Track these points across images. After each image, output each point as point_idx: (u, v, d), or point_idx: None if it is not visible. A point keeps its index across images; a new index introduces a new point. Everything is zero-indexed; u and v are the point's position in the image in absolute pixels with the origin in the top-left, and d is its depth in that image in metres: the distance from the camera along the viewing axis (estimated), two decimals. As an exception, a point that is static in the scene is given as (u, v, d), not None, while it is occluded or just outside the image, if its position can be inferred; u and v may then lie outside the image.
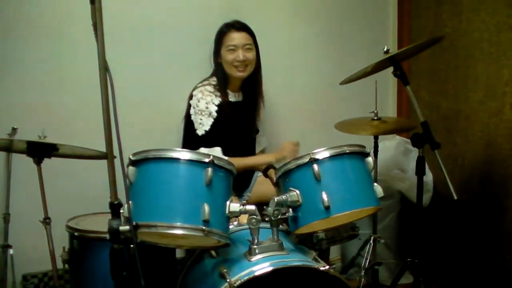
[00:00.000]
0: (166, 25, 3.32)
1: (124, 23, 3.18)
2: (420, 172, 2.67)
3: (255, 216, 2.07)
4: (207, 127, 2.92)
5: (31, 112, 3.04)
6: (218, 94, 2.99)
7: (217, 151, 2.84)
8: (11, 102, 3.03)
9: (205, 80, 3.06)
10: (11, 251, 2.88)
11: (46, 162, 2.48)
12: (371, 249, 3.10)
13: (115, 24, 3.00)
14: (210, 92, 2.97)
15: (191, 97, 3.01)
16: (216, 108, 2.95)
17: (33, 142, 2.42)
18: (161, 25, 3.31)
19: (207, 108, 2.92)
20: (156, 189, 1.94)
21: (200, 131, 2.93)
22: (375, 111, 3.00)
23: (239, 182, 2.98)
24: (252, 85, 3.13)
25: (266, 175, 3.02)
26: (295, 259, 2.07)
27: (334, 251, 3.73)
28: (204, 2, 3.40)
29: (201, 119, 2.92)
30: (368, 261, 3.06)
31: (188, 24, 3.37)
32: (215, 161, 1.97)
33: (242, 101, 3.15)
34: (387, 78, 3.69)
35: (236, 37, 3.00)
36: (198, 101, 2.94)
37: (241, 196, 3.14)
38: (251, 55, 3.03)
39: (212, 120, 2.93)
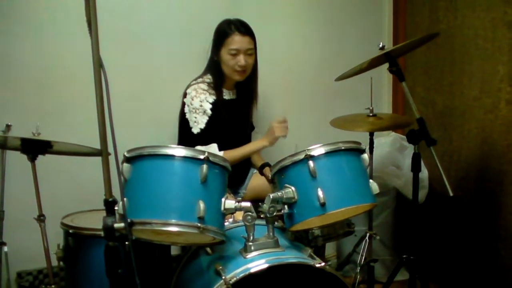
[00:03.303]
0: (161, 21, 3.32)
1: (118, 19, 3.17)
2: (415, 168, 2.66)
3: (250, 213, 2.07)
4: (202, 125, 2.90)
5: (25, 109, 3.03)
6: (212, 92, 2.97)
7: (213, 148, 2.84)
8: (4, 99, 3.02)
9: (199, 77, 3.04)
10: (5, 249, 2.87)
11: (41, 159, 2.47)
12: (366, 245, 3.09)
13: (110, 20, 2.99)
14: (204, 90, 2.95)
15: (185, 95, 2.99)
16: (210, 106, 2.93)
17: (27, 139, 2.40)
18: (156, 21, 3.31)
19: (201, 106, 2.90)
20: (151, 186, 1.93)
21: (195, 130, 2.91)
22: (371, 108, 3.00)
23: (235, 179, 2.97)
24: (246, 83, 3.11)
25: (261, 172, 3.03)
26: (291, 256, 2.07)
27: (330, 248, 3.74)
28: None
29: (195, 117, 2.91)
30: (363, 257, 3.05)
31: (183, 20, 3.36)
32: (210, 158, 1.97)
33: (236, 99, 3.13)
34: (383, 74, 3.71)
35: (240, 41, 2.94)
36: (192, 99, 2.92)
37: (237, 193, 3.13)
38: (251, 60, 3.01)
39: (207, 118, 2.91)
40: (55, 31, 3.09)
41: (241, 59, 2.93)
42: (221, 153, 2.82)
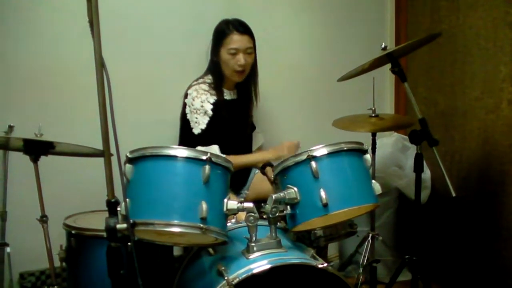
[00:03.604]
0: (163, 21, 3.32)
1: (120, 19, 3.16)
2: (418, 169, 2.66)
3: (253, 214, 2.07)
4: (203, 126, 2.90)
5: (27, 109, 3.03)
6: (213, 92, 2.97)
7: (214, 150, 2.83)
8: (7, 99, 3.02)
9: (200, 78, 3.04)
10: (8, 249, 2.88)
11: (43, 160, 2.47)
12: (369, 246, 3.10)
13: (112, 21, 2.98)
14: (205, 90, 2.95)
15: (186, 96, 2.99)
16: (211, 106, 2.92)
17: (29, 140, 2.41)
18: (158, 21, 3.31)
19: (202, 106, 2.90)
20: (153, 186, 1.93)
21: (196, 130, 2.91)
22: (373, 108, 3.00)
23: (237, 180, 2.97)
24: (247, 82, 3.11)
25: (263, 172, 3.03)
26: (293, 257, 2.07)
27: (332, 248, 3.74)
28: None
29: (196, 118, 2.91)
30: (366, 258, 3.06)
31: (185, 21, 3.36)
32: (213, 159, 1.97)
33: (236, 99, 3.13)
34: (385, 74, 3.70)
35: (239, 40, 2.94)
36: (193, 100, 2.92)
37: (239, 194, 3.13)
38: (251, 59, 3.01)
39: (208, 118, 2.91)
40: (57, 32, 3.09)
41: (241, 58, 2.93)
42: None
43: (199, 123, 2.90)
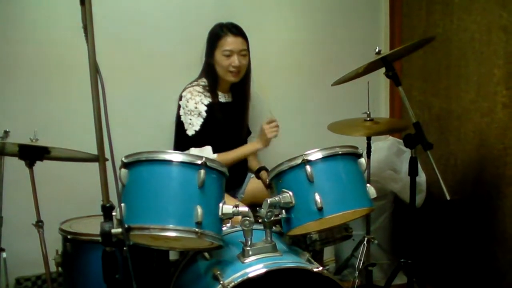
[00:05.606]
0: (157, 25, 3.33)
1: (114, 23, 3.17)
2: (413, 172, 2.67)
3: (248, 218, 2.07)
4: (197, 127, 2.91)
5: (23, 115, 3.03)
6: (208, 94, 2.98)
7: (207, 150, 2.85)
8: (2, 104, 3.02)
9: (194, 81, 3.06)
10: (4, 255, 2.86)
11: (38, 165, 2.47)
12: (364, 250, 3.09)
13: (107, 26, 2.99)
14: (199, 92, 2.96)
15: (180, 98, 3.00)
16: (205, 108, 2.94)
17: (25, 145, 2.41)
18: (152, 25, 3.32)
19: (196, 108, 2.92)
20: (149, 191, 1.93)
21: (190, 131, 2.92)
22: (368, 112, 3.01)
23: (232, 183, 2.97)
24: (241, 86, 3.12)
25: (258, 176, 3.04)
26: (289, 261, 2.08)
27: (328, 252, 3.73)
28: (196, 1, 3.41)
29: (190, 119, 2.92)
30: (361, 262, 3.06)
31: (178, 23, 3.37)
32: (208, 163, 1.97)
33: (232, 102, 3.14)
34: (379, 78, 3.70)
35: (233, 42, 2.97)
36: (187, 102, 2.93)
37: (234, 197, 3.13)
38: (245, 61, 3.03)
39: (202, 120, 2.92)
40: (53, 37, 3.09)
41: (235, 60, 2.95)
42: (215, 156, 2.83)
43: (193, 125, 2.91)
